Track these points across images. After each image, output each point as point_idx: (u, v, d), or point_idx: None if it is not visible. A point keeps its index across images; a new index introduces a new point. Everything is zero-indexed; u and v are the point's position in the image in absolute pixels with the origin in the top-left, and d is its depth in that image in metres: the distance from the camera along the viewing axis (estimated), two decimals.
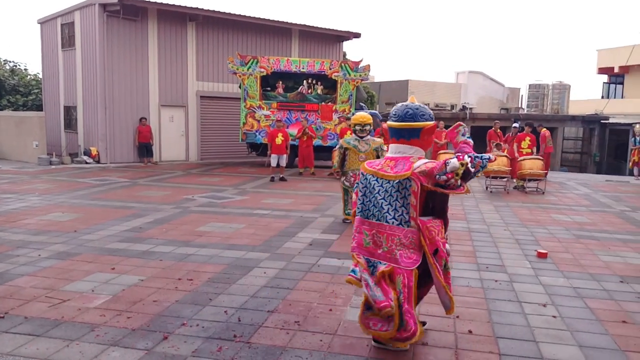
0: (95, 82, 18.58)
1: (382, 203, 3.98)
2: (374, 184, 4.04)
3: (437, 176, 3.68)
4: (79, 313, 4.68)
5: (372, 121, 8.58)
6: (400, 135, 4.07)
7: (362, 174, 4.18)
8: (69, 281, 5.57)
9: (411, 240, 3.88)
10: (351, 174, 8.62)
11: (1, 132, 20.83)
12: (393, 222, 3.93)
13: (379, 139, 8.72)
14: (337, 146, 8.93)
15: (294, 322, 4.57)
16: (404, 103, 4.14)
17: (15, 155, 19.97)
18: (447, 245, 4.01)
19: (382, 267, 3.92)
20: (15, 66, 29.87)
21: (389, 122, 4.12)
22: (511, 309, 5.01)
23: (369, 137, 8.59)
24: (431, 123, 4.04)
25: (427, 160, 3.93)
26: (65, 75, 20.77)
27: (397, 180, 3.89)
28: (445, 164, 3.64)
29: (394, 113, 4.10)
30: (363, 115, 8.62)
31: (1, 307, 4.78)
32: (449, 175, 3.62)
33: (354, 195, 4.99)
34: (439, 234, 3.94)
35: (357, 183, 4.23)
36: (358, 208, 4.18)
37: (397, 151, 4.09)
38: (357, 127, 8.45)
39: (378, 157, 8.15)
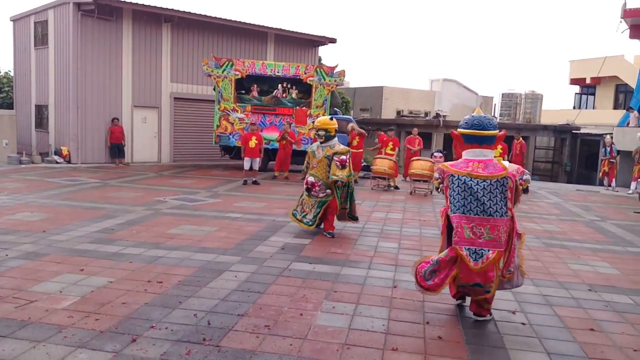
0: (68, 81, 18.32)
1: (483, 199, 4.76)
2: (471, 184, 4.79)
3: (519, 178, 4.89)
4: (46, 314, 4.60)
5: (330, 127, 8.32)
6: (483, 142, 4.90)
7: (452, 175, 4.90)
8: (37, 282, 5.48)
9: (508, 226, 4.81)
10: (306, 178, 8.53)
11: None
12: (496, 215, 4.76)
13: (341, 146, 8.36)
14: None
15: (264, 326, 4.56)
16: (480, 114, 4.99)
17: None
18: None
19: (490, 254, 4.76)
20: None
21: (467, 130, 4.88)
22: None
23: (332, 143, 8.34)
24: (502, 131, 5.00)
25: (515, 165, 5.09)
26: (37, 73, 20.43)
27: (495, 179, 4.75)
28: (524, 172, 4.99)
29: (476, 123, 4.88)
30: (320, 120, 8.55)
31: None
32: (523, 182, 4.94)
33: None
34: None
35: (451, 185, 4.92)
36: (456, 206, 4.89)
37: (481, 155, 4.91)
38: (315, 132, 8.52)
39: (329, 166, 8.15)
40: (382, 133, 17.16)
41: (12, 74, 24.76)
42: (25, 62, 21.14)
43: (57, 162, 18.10)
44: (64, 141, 18.77)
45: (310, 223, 8.32)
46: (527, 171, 4.99)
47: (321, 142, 8.35)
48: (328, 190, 8.23)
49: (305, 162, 8.70)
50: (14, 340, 4.08)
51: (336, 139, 8.41)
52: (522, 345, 4.40)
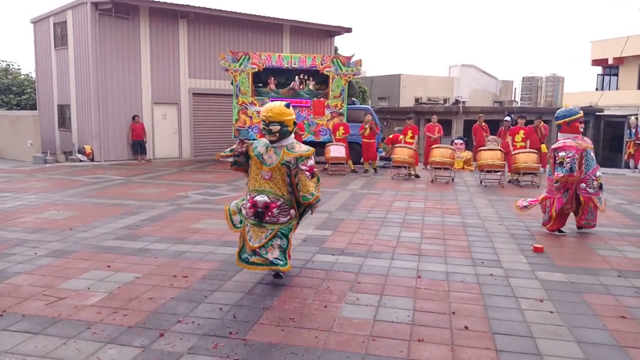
0: (88, 80, 18.52)
1: (589, 165, 7.90)
2: (592, 154, 7.99)
3: None
4: (75, 311, 4.68)
5: (287, 118, 5.42)
6: (567, 126, 8.01)
7: (587, 150, 7.92)
8: (65, 279, 5.57)
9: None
10: (248, 197, 5.51)
11: None
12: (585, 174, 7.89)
13: (302, 147, 5.58)
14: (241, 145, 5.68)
15: (289, 319, 4.58)
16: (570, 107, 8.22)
17: (10, 154, 19.91)
18: None
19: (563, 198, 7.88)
20: (9, 66, 29.72)
21: (563, 120, 8.09)
22: (507, 304, 5.02)
23: (289, 142, 5.52)
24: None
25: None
26: (58, 74, 20.68)
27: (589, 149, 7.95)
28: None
29: (566, 113, 8.09)
30: (272, 108, 5.43)
31: None
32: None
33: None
34: None
35: (586, 156, 7.94)
36: (588, 169, 7.89)
37: (572, 136, 7.92)
38: (263, 126, 5.47)
39: (290, 176, 5.42)
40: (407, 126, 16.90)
41: (33, 75, 25.07)
42: (46, 63, 21.40)
43: (80, 161, 18.35)
44: (86, 139, 19.01)
45: (283, 264, 5.44)
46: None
47: (272, 141, 5.48)
48: (292, 211, 5.51)
49: (231, 160, 5.72)
50: (46, 336, 4.16)
51: (292, 135, 5.62)
52: (551, 334, 4.36)
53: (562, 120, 8.05)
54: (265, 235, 5.42)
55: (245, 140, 5.68)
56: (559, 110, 8.32)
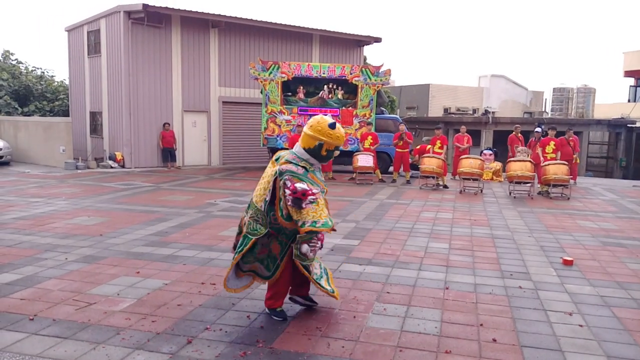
0: (120, 88, 18.83)
1: None
2: None
3: None
4: (105, 316, 4.74)
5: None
6: None
7: None
8: (95, 284, 5.65)
9: None
10: (320, 235, 4.47)
11: (30, 137, 21.19)
12: None
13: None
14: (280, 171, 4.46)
15: (316, 328, 4.58)
16: None
17: (42, 160, 20.29)
18: None
19: None
20: (43, 73, 30.39)
21: None
22: (536, 317, 4.96)
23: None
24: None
25: None
26: (91, 81, 21.08)
27: None
28: None
29: None
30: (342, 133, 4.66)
31: (30, 310, 4.86)
32: None
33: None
34: None
35: None
36: None
37: None
38: (330, 150, 4.62)
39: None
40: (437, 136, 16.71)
41: (67, 82, 25.59)
42: (80, 70, 21.83)
43: (111, 167, 18.65)
44: (117, 146, 19.31)
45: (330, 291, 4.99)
46: None
47: (313, 164, 4.67)
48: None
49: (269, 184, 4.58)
50: (75, 341, 4.22)
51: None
52: (580, 348, 4.29)
53: None
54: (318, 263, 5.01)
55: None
56: None
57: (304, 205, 4.27)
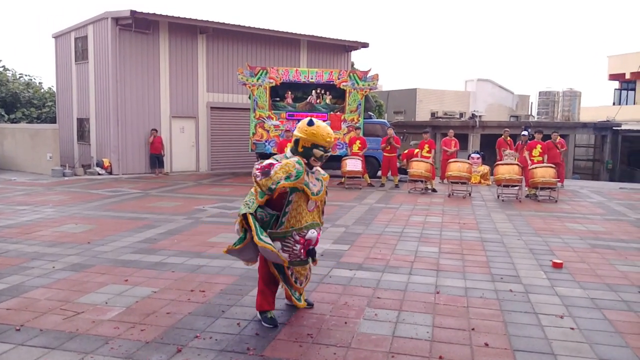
0: (108, 94, 18.74)
1: None
2: None
3: None
4: (93, 325, 4.68)
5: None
6: None
7: None
8: (83, 293, 5.58)
9: None
10: (297, 238, 4.69)
11: (16, 144, 21.02)
12: None
13: (321, 171, 5.02)
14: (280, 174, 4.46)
15: (307, 335, 4.54)
16: None
17: (29, 167, 20.13)
18: None
19: None
20: (30, 80, 30.19)
21: None
22: (527, 320, 4.95)
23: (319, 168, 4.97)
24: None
25: None
26: (78, 88, 20.97)
27: None
28: None
29: None
30: (331, 133, 4.76)
31: (17, 320, 4.79)
32: None
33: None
34: None
35: None
36: None
37: None
38: (321, 152, 4.68)
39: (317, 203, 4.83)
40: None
41: (54, 89, 25.45)
42: (67, 77, 21.71)
43: (99, 174, 18.52)
44: (105, 153, 19.19)
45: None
46: None
47: (311, 167, 4.80)
48: None
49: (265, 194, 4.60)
50: (63, 352, 4.16)
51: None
52: (572, 351, 4.29)
53: None
54: (307, 269, 5.01)
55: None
56: None
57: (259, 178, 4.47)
